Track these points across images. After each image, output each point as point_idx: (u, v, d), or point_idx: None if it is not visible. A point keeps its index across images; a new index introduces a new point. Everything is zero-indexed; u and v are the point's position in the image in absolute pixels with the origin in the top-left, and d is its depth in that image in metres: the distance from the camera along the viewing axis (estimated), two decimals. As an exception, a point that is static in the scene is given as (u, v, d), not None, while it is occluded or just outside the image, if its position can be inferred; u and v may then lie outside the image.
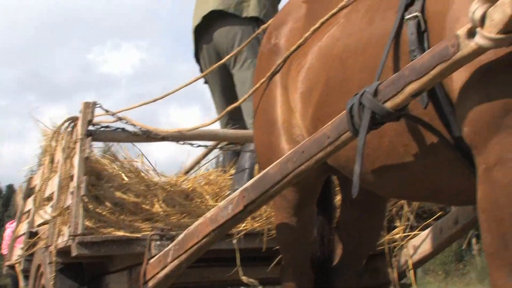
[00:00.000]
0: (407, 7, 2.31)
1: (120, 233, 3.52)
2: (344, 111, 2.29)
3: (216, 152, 4.75)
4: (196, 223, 2.99)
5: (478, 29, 1.90)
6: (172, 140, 3.81)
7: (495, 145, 1.99)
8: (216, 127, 4.47)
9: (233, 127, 4.42)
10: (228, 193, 4.06)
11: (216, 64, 4.05)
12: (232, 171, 4.33)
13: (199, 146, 4.13)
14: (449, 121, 2.21)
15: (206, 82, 4.78)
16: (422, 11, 2.26)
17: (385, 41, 2.37)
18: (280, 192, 2.73)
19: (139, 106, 4.06)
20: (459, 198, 2.54)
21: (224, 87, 4.66)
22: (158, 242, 3.30)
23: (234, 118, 4.50)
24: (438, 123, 2.24)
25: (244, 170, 3.99)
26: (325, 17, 2.77)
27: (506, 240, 1.97)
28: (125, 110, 4.11)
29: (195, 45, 4.74)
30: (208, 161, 4.90)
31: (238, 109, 3.84)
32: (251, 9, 4.49)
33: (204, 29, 4.62)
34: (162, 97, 3.96)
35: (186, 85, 3.82)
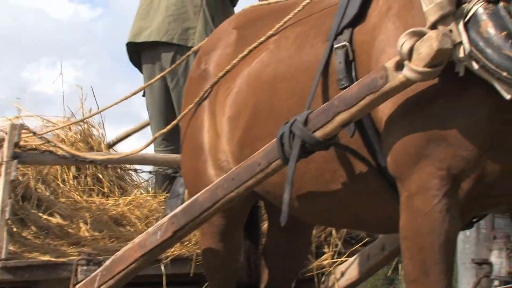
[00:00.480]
0: (336, 36, 2.36)
1: (46, 257, 3.44)
2: (275, 139, 2.31)
3: (147, 174, 4.69)
4: (125, 248, 2.95)
5: (406, 62, 1.96)
6: (100, 164, 3.76)
7: (417, 174, 2.06)
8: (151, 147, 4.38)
9: (167, 148, 4.38)
10: (158, 217, 4.02)
11: (149, 83, 3.99)
12: (163, 195, 4.29)
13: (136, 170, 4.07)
14: (375, 150, 2.26)
15: (144, 95, 4.70)
16: (351, 40, 2.31)
17: (314, 69, 2.41)
18: (210, 219, 2.72)
19: (71, 124, 3.99)
20: (384, 226, 2.58)
21: (163, 107, 4.59)
22: (85, 267, 3.24)
23: (169, 139, 4.41)
24: (364, 152, 2.29)
25: (178, 196, 3.95)
26: (253, 45, 2.79)
27: (426, 267, 2.03)
28: (54, 129, 4.04)
29: (136, 57, 4.67)
30: (141, 183, 4.83)
31: (175, 130, 3.80)
32: (197, 39, 4.41)
33: (149, 46, 4.55)
34: (94, 114, 3.91)
35: (123, 99, 3.73)
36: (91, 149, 4.34)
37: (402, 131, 2.08)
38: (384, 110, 2.14)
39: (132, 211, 4.19)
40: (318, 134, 2.19)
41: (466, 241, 4.70)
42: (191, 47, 4.13)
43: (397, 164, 2.13)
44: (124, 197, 4.35)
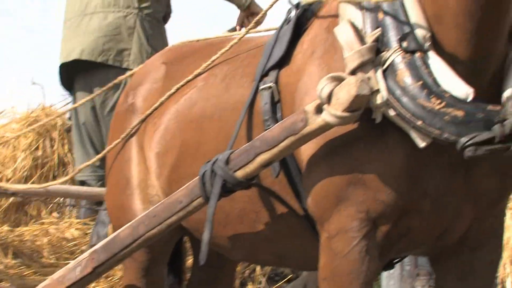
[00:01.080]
0: (262, 77, 2.39)
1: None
2: (197, 177, 2.32)
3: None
4: (42, 284, 2.89)
5: (325, 106, 2.00)
6: (23, 196, 3.69)
7: (336, 216, 2.09)
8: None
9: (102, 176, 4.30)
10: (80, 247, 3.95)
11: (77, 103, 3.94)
12: (79, 226, 4.22)
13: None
14: (299, 190, 2.28)
15: (69, 118, 4.63)
16: (276, 82, 2.33)
17: (240, 109, 2.43)
18: (131, 255, 2.69)
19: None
20: (308, 264, 2.60)
21: (93, 134, 4.52)
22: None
23: (102, 167, 4.23)
24: (289, 192, 2.31)
25: (104, 224, 3.90)
26: (181, 83, 2.79)
27: None
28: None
29: (68, 75, 4.60)
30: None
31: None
32: (132, 60, 4.38)
33: (83, 69, 4.48)
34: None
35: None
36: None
37: (322, 173, 2.12)
38: (306, 152, 2.17)
39: (50, 240, 4.11)
40: (239, 173, 2.20)
41: (390, 277, 4.75)
42: (126, 69, 4.10)
43: (317, 206, 2.16)
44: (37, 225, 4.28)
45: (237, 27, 4.50)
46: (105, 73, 4.34)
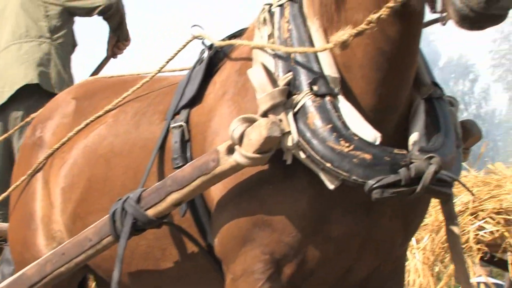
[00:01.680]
0: (174, 115, 2.40)
1: None
2: (107, 215, 2.30)
3: None
4: None
5: (236, 147, 2.02)
6: None
7: (242, 257, 2.11)
8: None
9: None
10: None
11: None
12: None
13: None
14: (205, 229, 2.30)
15: None
16: (187, 121, 2.35)
17: (150, 146, 2.44)
18: (37, 294, 2.64)
19: None
20: None
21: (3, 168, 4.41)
22: None
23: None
24: (195, 231, 2.32)
25: (9, 263, 3.79)
26: (90, 119, 2.78)
27: None
28: None
29: None
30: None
31: None
32: (53, 84, 4.35)
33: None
34: None
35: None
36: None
37: (229, 213, 2.13)
38: (216, 192, 2.18)
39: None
40: (150, 212, 2.20)
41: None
42: (52, 92, 4.07)
43: (223, 247, 2.17)
44: None
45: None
46: (33, 97, 4.31)
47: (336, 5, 2.02)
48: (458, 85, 40.89)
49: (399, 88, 2.06)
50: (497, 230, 4.15)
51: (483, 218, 4.21)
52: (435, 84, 2.21)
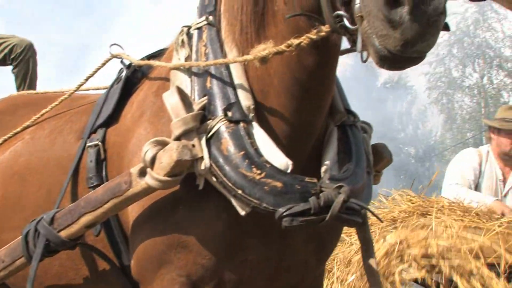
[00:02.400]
0: (90, 134, 2.39)
1: None
2: (20, 237, 2.28)
3: None
4: None
5: (148, 170, 2.01)
6: None
7: (158, 280, 2.10)
8: None
9: None
10: None
11: None
12: None
13: None
14: (120, 250, 2.29)
15: None
16: (103, 140, 2.34)
17: (64, 164, 2.42)
18: None
19: None
20: None
21: None
22: None
23: None
24: (109, 251, 2.31)
25: None
26: (8, 135, 2.75)
27: None
28: None
29: None
30: None
31: None
32: None
33: None
34: None
35: None
36: None
37: (146, 235, 2.12)
38: (132, 213, 2.18)
39: None
40: (63, 234, 2.18)
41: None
42: None
43: (140, 269, 2.16)
44: None
45: None
46: None
47: (256, 33, 2.04)
48: (396, 106, 41.48)
49: (314, 117, 2.09)
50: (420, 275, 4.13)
51: (407, 261, 4.20)
52: (349, 111, 2.25)
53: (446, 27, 1.75)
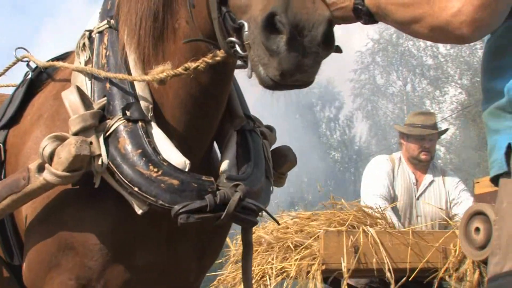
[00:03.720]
0: None
1: None
2: None
3: None
4: None
5: (47, 165, 2.01)
6: None
7: (49, 283, 2.08)
8: None
9: None
10: None
11: None
12: None
13: None
14: (13, 252, 2.27)
15: None
16: (5, 141, 2.33)
17: None
18: None
19: None
20: None
21: None
22: None
23: None
24: (1, 252, 2.29)
25: None
26: None
27: None
28: None
29: None
30: None
31: None
32: None
33: None
34: None
35: None
36: None
37: (38, 237, 2.10)
38: (26, 213, 2.15)
39: None
40: None
41: None
42: None
43: (31, 272, 2.13)
44: None
45: None
46: None
47: (154, 47, 2.07)
48: (325, 111, 41.87)
49: (207, 127, 2.15)
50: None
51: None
52: (248, 117, 2.30)
53: (338, 50, 1.81)
